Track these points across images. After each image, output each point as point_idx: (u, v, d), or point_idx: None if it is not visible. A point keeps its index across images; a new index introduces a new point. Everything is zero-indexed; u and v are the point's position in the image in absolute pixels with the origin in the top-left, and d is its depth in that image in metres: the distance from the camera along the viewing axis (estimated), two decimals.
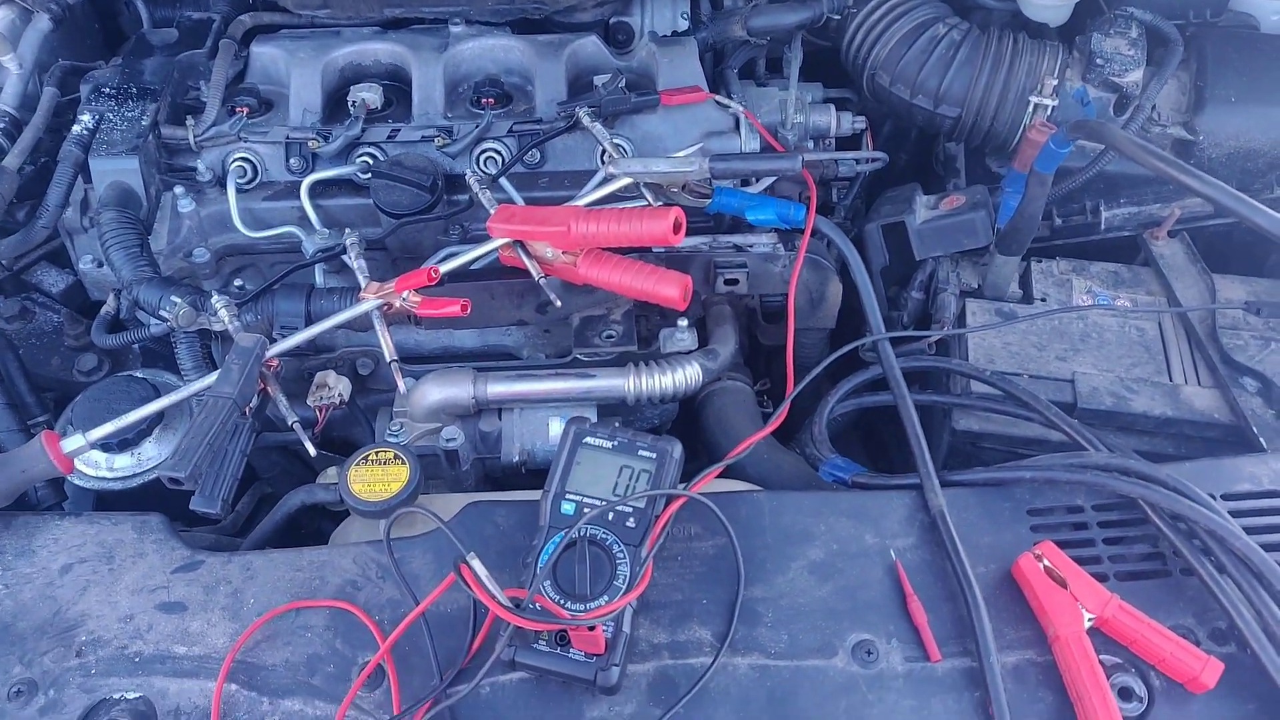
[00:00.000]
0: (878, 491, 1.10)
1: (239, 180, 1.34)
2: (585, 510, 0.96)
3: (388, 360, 1.11)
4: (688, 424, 1.37)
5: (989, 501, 1.07)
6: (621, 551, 0.94)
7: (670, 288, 1.12)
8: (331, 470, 1.24)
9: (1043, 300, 1.32)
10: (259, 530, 1.13)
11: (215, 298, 1.16)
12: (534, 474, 1.24)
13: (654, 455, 0.99)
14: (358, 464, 1.06)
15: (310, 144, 1.33)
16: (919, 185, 1.39)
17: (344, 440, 1.32)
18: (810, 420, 1.24)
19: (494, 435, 1.22)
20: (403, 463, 1.07)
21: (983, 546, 1.03)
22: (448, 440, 1.18)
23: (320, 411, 1.18)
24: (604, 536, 0.95)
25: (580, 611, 0.90)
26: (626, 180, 1.21)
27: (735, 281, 1.28)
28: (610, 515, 0.95)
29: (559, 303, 1.17)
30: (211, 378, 1.09)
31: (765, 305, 1.41)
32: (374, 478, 1.06)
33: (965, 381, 1.25)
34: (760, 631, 0.97)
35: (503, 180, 1.30)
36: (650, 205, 1.22)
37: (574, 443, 1.00)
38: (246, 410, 1.07)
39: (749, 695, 0.93)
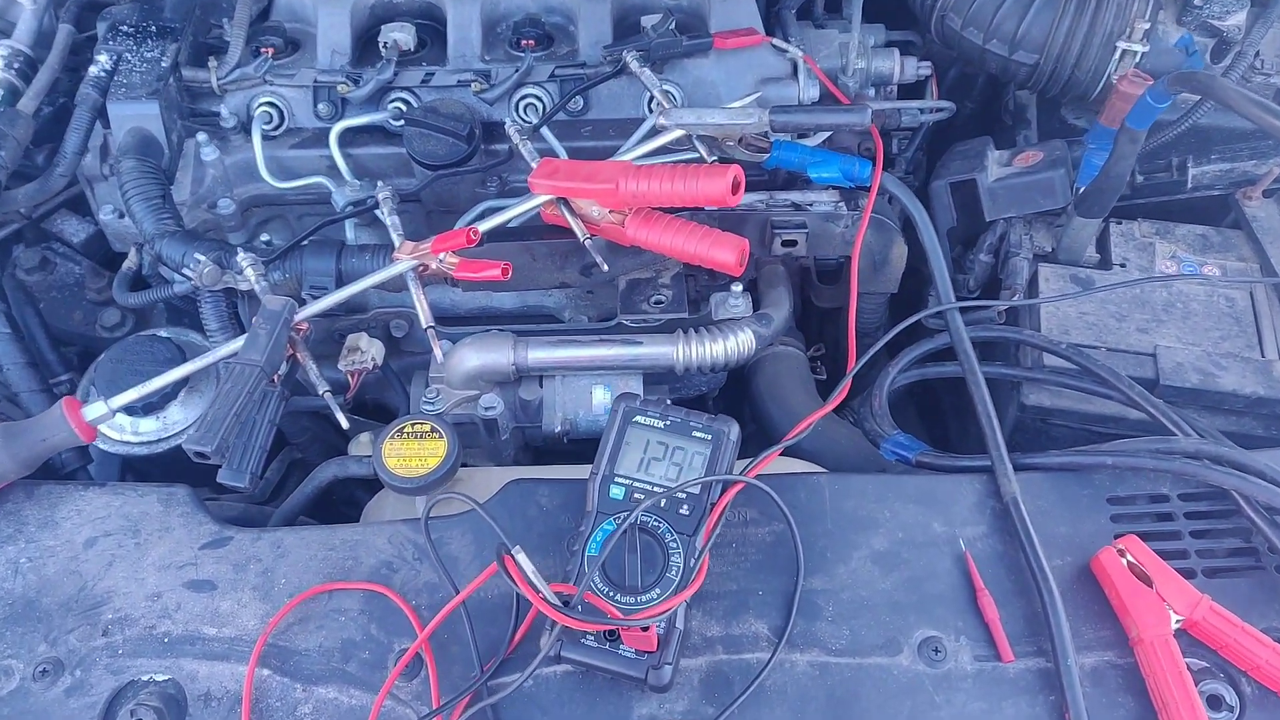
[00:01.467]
0: (945, 475, 1.03)
1: (264, 126, 1.26)
2: (636, 495, 0.90)
3: (424, 326, 1.05)
4: (736, 390, 1.30)
5: (1066, 488, 0.99)
6: (675, 540, 0.88)
7: (726, 252, 1.04)
8: (364, 436, 1.18)
9: (1122, 266, 1.22)
10: (289, 503, 1.08)
11: (241, 256, 1.09)
12: (576, 443, 1.18)
13: (709, 437, 0.92)
14: (393, 437, 1.00)
15: (339, 88, 1.25)
16: (990, 139, 1.29)
17: (377, 404, 1.26)
18: (869, 392, 1.17)
19: (535, 404, 1.15)
20: (440, 436, 1.01)
21: (1059, 537, 0.96)
22: (486, 409, 1.12)
23: (352, 377, 1.11)
24: (656, 524, 0.88)
25: (631, 604, 0.84)
26: (678, 132, 1.13)
27: (793, 243, 1.19)
28: (662, 501, 0.89)
29: (605, 266, 1.09)
30: (238, 342, 1.03)
31: (820, 264, 1.33)
32: (410, 451, 1.00)
33: (1037, 354, 1.17)
34: (820, 626, 0.91)
35: (544, 129, 1.22)
36: (703, 160, 1.13)
37: (623, 422, 0.93)
38: (275, 378, 1.01)
39: (807, 695, 0.88)
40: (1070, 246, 1.22)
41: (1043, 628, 0.90)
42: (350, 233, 1.22)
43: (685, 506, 0.89)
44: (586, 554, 0.87)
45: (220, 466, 0.97)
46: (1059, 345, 1.13)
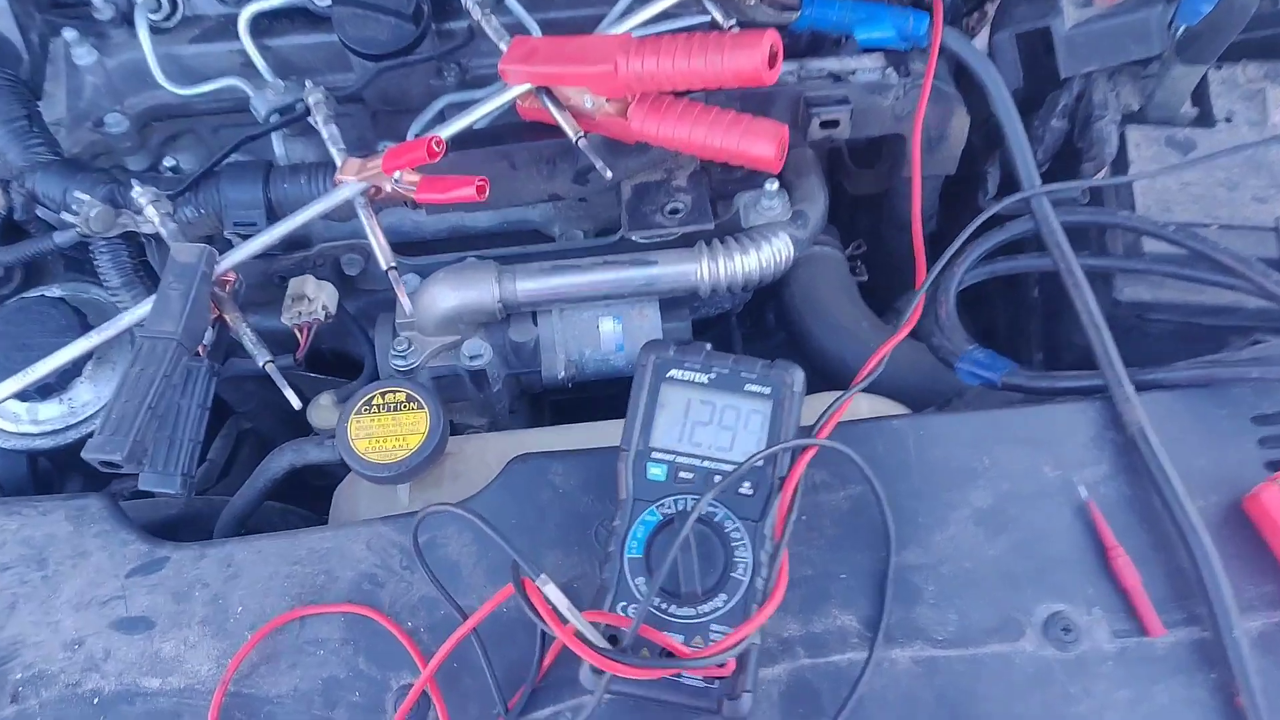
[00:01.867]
0: (1046, 402, 0.83)
1: (152, 16, 0.99)
2: (681, 475, 0.70)
3: (384, 267, 0.82)
4: (763, 299, 1.09)
5: (1200, 408, 0.80)
6: (738, 529, 0.68)
7: (763, 145, 0.81)
8: (324, 398, 0.96)
9: (1228, 120, 1.01)
10: (236, 502, 0.86)
11: (137, 190, 0.84)
12: (583, 387, 0.97)
13: (767, 390, 0.72)
14: (359, 411, 0.79)
15: None
16: None
17: (337, 354, 1.03)
18: (934, 298, 0.96)
19: (530, 345, 0.94)
20: (419, 406, 0.79)
21: (1198, 472, 0.77)
22: (471, 358, 0.90)
23: (301, 332, 0.89)
24: (712, 510, 0.69)
25: (691, 619, 0.65)
26: None
27: (834, 124, 0.96)
28: (716, 480, 0.69)
29: (608, 173, 0.86)
30: (148, 304, 0.80)
31: (853, 144, 1.11)
32: (383, 429, 0.79)
33: (1130, 238, 0.96)
34: (920, 612, 0.73)
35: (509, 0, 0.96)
36: (718, 26, 0.89)
37: (655, 379, 0.72)
38: (200, 349, 0.78)
39: (914, 698, 0.70)
40: (1165, 102, 1.00)
41: (1192, 589, 0.72)
42: (279, 148, 0.98)
43: (746, 484, 0.69)
44: (626, 556, 0.68)
45: (128, 472, 0.75)
46: (1165, 228, 0.92)
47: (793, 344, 1.07)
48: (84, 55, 0.97)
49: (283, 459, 0.86)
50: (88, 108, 0.99)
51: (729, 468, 0.69)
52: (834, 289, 1.05)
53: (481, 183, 0.79)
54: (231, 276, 0.82)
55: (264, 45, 0.99)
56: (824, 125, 0.96)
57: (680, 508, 0.68)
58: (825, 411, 0.75)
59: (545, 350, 0.94)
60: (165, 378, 0.73)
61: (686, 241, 0.94)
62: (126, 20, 0.99)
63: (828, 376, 1.03)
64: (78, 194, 0.84)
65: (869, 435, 0.78)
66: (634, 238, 0.92)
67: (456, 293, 0.90)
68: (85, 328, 0.90)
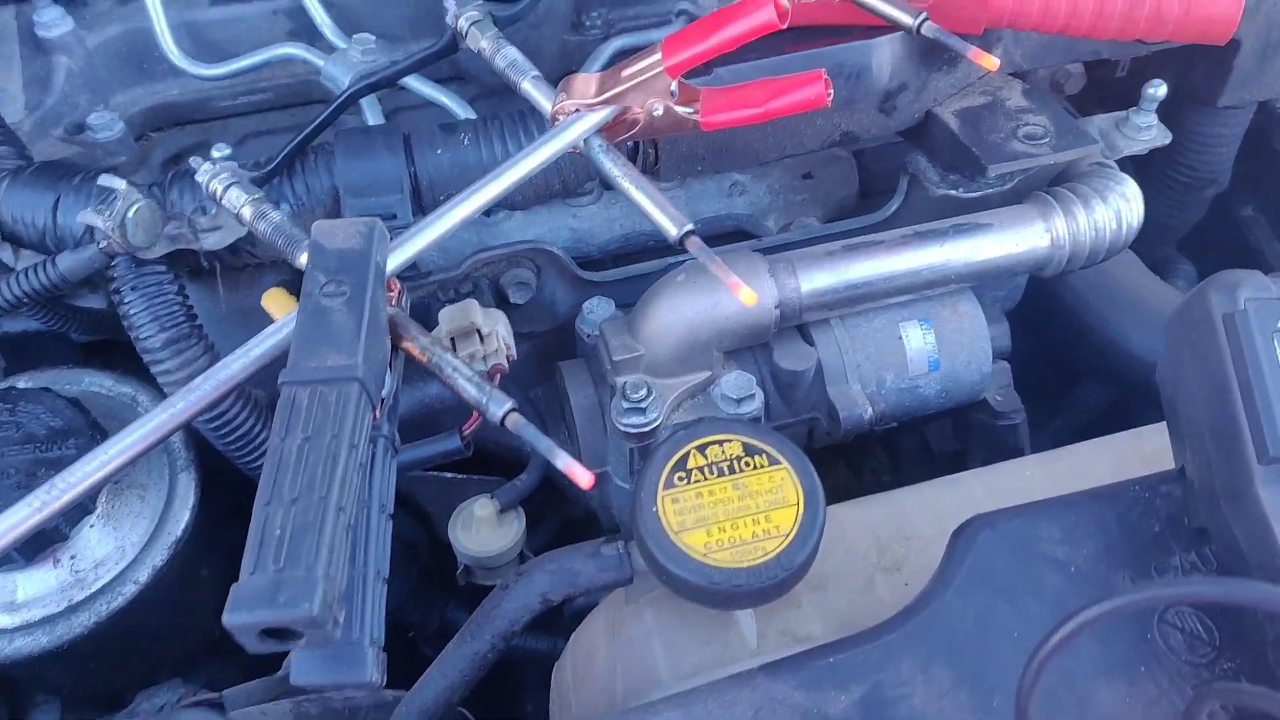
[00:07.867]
0: None
1: None
2: None
3: (674, 237, 0.48)
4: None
5: None
6: None
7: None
8: (482, 506, 0.61)
9: None
10: (428, 689, 0.47)
11: (205, 167, 0.49)
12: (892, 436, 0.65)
13: None
14: (672, 483, 0.44)
15: None
16: None
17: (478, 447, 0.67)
18: None
19: (806, 376, 0.61)
20: (772, 460, 0.45)
21: None
22: (741, 400, 0.57)
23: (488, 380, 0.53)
24: None
25: None
26: None
27: None
28: None
29: (994, 63, 0.55)
30: (233, 370, 0.44)
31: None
32: (721, 509, 0.44)
33: None
34: None
35: None
36: None
37: None
38: (376, 410, 0.42)
39: None
40: None
41: None
42: (372, 119, 0.64)
43: None
44: None
45: (296, 648, 0.37)
46: None
47: (1074, 342, 0.79)
48: (54, 24, 0.62)
49: (529, 590, 0.47)
50: (59, 105, 0.64)
51: None
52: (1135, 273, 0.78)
53: (818, 77, 0.48)
54: (397, 286, 0.46)
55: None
56: None
57: None
58: None
59: (833, 380, 0.62)
60: (352, 451, 0.37)
61: (1013, 197, 0.64)
62: None
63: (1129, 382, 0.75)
64: (106, 182, 0.48)
65: None
66: (991, 173, 0.61)
67: (708, 302, 0.57)
68: (95, 432, 0.53)
